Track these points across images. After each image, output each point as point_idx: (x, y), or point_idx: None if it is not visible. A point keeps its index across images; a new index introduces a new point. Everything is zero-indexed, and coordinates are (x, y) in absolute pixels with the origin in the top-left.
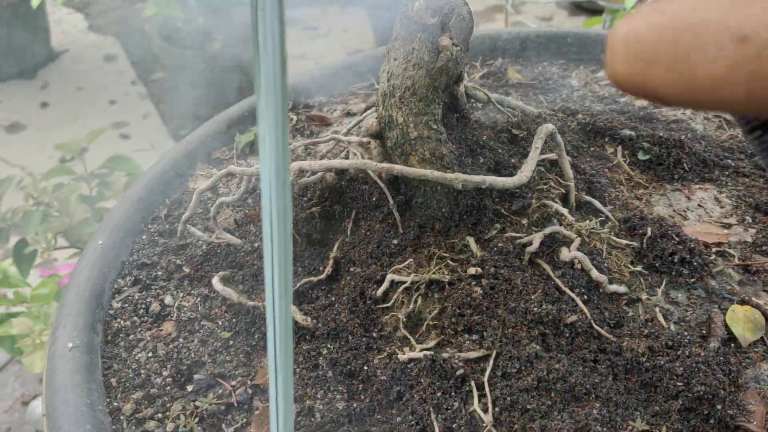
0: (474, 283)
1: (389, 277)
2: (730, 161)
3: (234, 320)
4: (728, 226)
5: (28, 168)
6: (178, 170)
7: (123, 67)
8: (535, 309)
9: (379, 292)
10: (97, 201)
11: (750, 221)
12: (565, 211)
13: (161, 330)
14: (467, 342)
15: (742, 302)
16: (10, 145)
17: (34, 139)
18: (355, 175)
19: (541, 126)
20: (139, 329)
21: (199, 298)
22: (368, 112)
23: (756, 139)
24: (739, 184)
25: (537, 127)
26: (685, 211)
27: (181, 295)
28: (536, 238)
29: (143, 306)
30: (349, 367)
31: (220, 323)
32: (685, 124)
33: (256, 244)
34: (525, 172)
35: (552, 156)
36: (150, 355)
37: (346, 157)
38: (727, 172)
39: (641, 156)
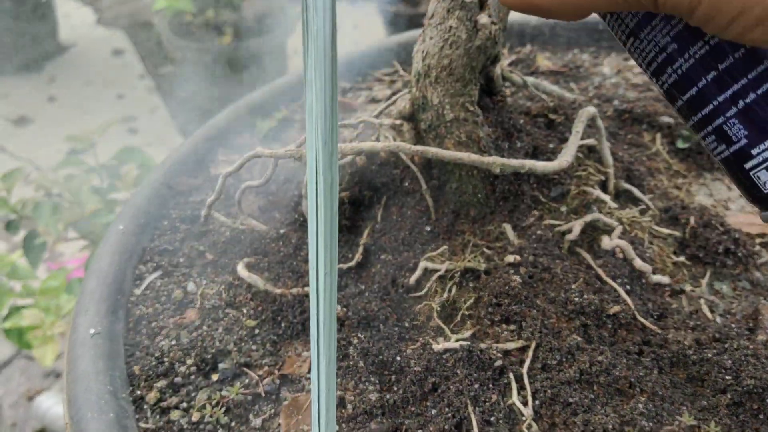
0: (512, 271)
1: (422, 264)
2: None
3: (260, 308)
4: None
5: (36, 162)
6: (199, 156)
7: (131, 61)
8: (576, 299)
9: (412, 280)
10: (108, 192)
11: None
12: (606, 197)
13: (184, 317)
14: (505, 332)
15: None
16: (17, 138)
17: (42, 133)
18: (387, 159)
19: (583, 109)
20: (161, 316)
21: (223, 286)
22: (400, 93)
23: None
24: None
25: (574, 113)
26: (726, 201)
27: (204, 282)
28: (576, 226)
29: (165, 293)
30: (381, 357)
31: (245, 311)
32: None
33: (281, 231)
34: (566, 157)
35: (590, 142)
36: (173, 342)
37: (377, 141)
38: None
39: (680, 144)
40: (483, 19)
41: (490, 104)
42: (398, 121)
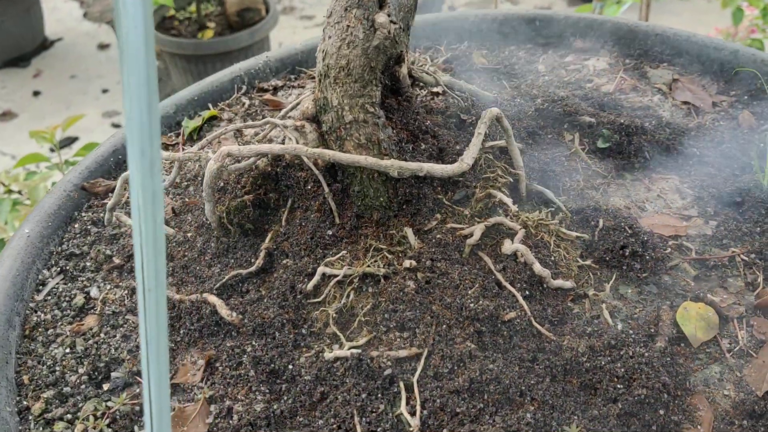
0: (409, 276)
1: (320, 270)
2: (695, 149)
3: None
4: (688, 218)
5: (20, 156)
6: (119, 156)
7: (116, 55)
8: (472, 305)
9: (310, 286)
10: None
11: (711, 213)
12: (509, 201)
13: (82, 324)
14: (398, 340)
15: (696, 299)
16: (1, 132)
17: (27, 127)
18: (291, 161)
19: (486, 110)
20: (59, 323)
21: (126, 291)
22: (305, 94)
23: None
24: (703, 174)
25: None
26: (643, 202)
27: (108, 287)
28: (477, 230)
29: (67, 298)
30: (273, 365)
31: None
32: (651, 111)
33: (188, 234)
34: (466, 160)
35: (502, 143)
36: (67, 351)
37: (283, 142)
38: (691, 162)
39: (600, 144)
40: (381, 18)
41: (395, 105)
42: (300, 123)
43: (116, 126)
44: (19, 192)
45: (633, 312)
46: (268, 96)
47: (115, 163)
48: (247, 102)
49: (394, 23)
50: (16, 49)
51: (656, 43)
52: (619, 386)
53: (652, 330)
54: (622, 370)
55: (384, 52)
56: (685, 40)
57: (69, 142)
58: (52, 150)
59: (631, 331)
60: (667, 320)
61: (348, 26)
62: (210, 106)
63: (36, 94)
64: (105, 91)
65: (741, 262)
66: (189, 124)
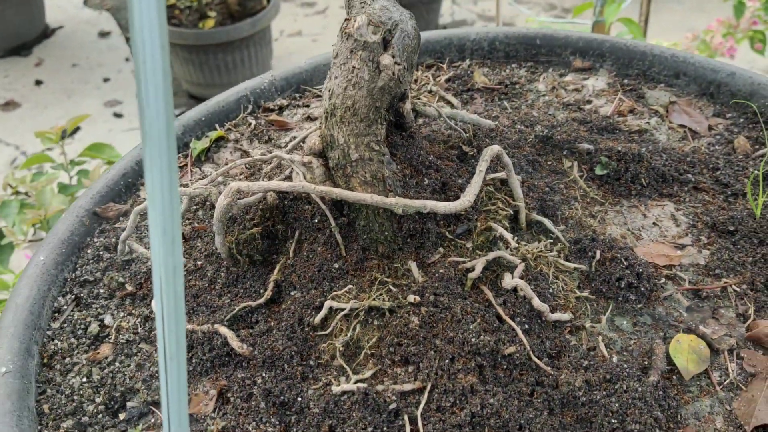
0: (413, 311)
1: (327, 303)
2: (690, 176)
3: None
4: (682, 246)
5: (23, 147)
6: (129, 180)
7: (117, 43)
8: (473, 339)
9: (317, 319)
10: (77, 189)
11: (705, 242)
12: (509, 236)
13: (98, 353)
14: (403, 374)
15: (689, 331)
16: (5, 123)
17: (29, 117)
18: (299, 194)
19: (487, 148)
20: (75, 351)
21: (139, 319)
22: (312, 129)
23: None
24: (698, 201)
25: (493, 142)
26: (639, 229)
27: (122, 314)
28: (479, 264)
29: (82, 326)
30: (282, 398)
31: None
32: (648, 135)
33: (199, 263)
34: (467, 197)
35: (503, 175)
36: (84, 380)
37: (290, 176)
38: (686, 188)
39: (598, 171)
40: (386, 60)
41: (399, 141)
42: (307, 159)
43: (118, 116)
44: (27, 194)
45: (628, 344)
46: (273, 116)
47: (125, 186)
48: (253, 122)
49: (399, 64)
50: (17, 37)
51: (654, 63)
52: (613, 421)
53: (646, 362)
54: (617, 405)
55: (389, 92)
56: (682, 62)
57: (71, 132)
58: (50, 149)
59: (625, 365)
60: (660, 353)
61: (354, 68)
62: (217, 126)
63: (38, 83)
64: (106, 80)
65: (733, 293)
66: (197, 146)
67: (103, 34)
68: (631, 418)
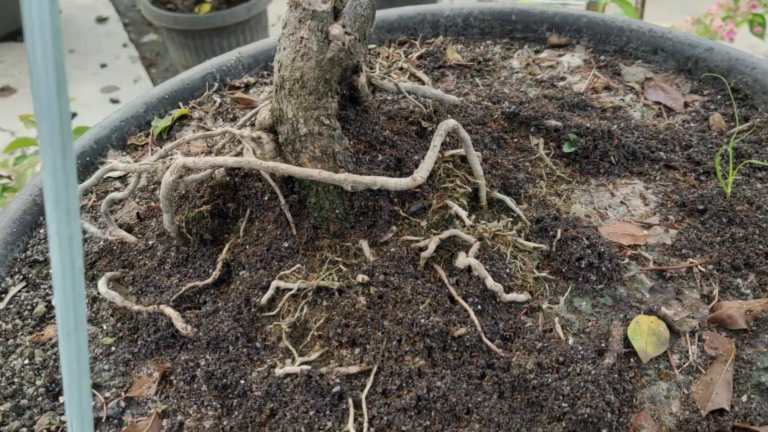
0: (362, 291)
1: (274, 283)
2: (662, 153)
3: (118, 325)
4: (648, 226)
5: (18, 132)
6: (87, 158)
7: (115, 29)
8: (422, 320)
9: (264, 299)
10: None
11: (673, 221)
12: (464, 213)
13: (42, 334)
14: (349, 356)
15: (650, 312)
16: (1, 108)
17: (25, 103)
18: (249, 171)
19: (442, 122)
20: (20, 333)
21: (87, 300)
22: (264, 103)
23: None
24: (668, 180)
25: (455, 117)
26: (606, 208)
27: None
28: (432, 243)
29: (29, 307)
30: (225, 380)
31: (105, 328)
32: (622, 112)
33: (150, 242)
34: (420, 173)
35: (462, 151)
36: (26, 362)
37: (241, 152)
38: (657, 166)
39: (566, 148)
40: (335, 29)
41: (352, 115)
42: (256, 134)
43: (115, 102)
44: (9, 177)
45: (585, 326)
46: (239, 94)
47: (83, 166)
48: (219, 100)
49: (349, 34)
50: (13, 22)
51: (632, 39)
52: (564, 404)
53: (603, 345)
54: (568, 388)
55: (339, 64)
56: (660, 37)
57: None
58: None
59: (580, 347)
60: (618, 335)
61: (302, 38)
62: (180, 104)
63: None
64: (103, 65)
65: (698, 273)
66: (159, 124)
67: (101, 20)
68: (583, 401)
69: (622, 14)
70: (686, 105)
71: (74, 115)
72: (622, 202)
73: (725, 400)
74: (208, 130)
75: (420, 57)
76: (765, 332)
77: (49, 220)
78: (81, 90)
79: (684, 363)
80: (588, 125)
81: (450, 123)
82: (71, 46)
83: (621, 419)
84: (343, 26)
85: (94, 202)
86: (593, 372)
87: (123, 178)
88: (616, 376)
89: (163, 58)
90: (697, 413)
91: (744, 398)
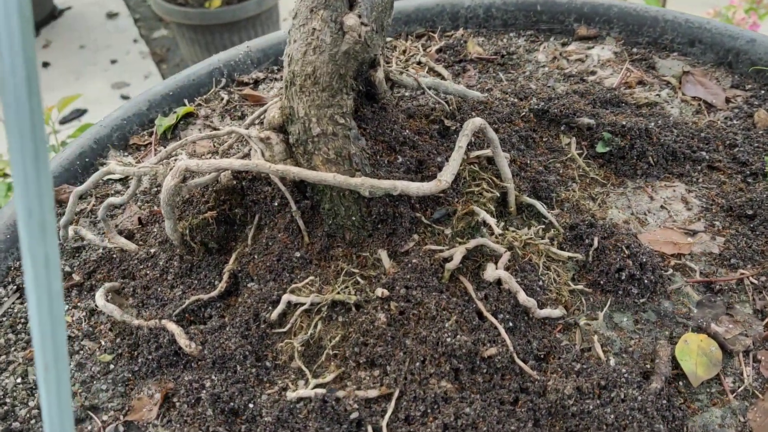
0: (381, 306)
1: (285, 297)
2: (704, 153)
3: (117, 341)
4: (693, 233)
5: None
6: (86, 159)
7: (125, 24)
8: (449, 339)
9: (274, 315)
10: None
11: (719, 227)
12: (492, 221)
13: None
14: (368, 378)
15: (698, 330)
16: None
17: None
18: (257, 174)
19: (468, 121)
20: (12, 348)
21: (84, 312)
22: (273, 100)
23: None
24: (712, 182)
25: (481, 114)
26: (645, 214)
27: (66, 308)
28: (457, 253)
29: (22, 320)
30: (232, 404)
31: (103, 343)
32: (658, 108)
33: (152, 250)
34: (444, 177)
35: (489, 152)
36: (19, 381)
37: (248, 154)
38: (699, 167)
39: (600, 148)
40: (350, 20)
41: (369, 114)
42: (265, 134)
43: (125, 98)
44: None
45: (628, 344)
46: (248, 90)
47: (83, 167)
48: (226, 97)
49: (366, 25)
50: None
51: (666, 30)
52: None
53: (648, 367)
54: (612, 416)
55: (354, 58)
56: (697, 28)
57: (78, 114)
58: (61, 122)
59: (624, 369)
60: (665, 356)
61: (314, 29)
62: (186, 101)
63: (45, 65)
64: (114, 61)
65: (750, 286)
66: (162, 123)
67: (111, 15)
68: (629, 431)
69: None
70: (728, 101)
71: (84, 111)
72: (662, 207)
73: None
74: (214, 128)
75: (439, 50)
76: None
77: (22, 238)
78: (91, 86)
79: (739, 387)
80: (623, 123)
81: (477, 122)
82: (81, 42)
83: None
84: (359, 16)
85: (93, 206)
86: (639, 398)
87: (124, 180)
88: (664, 402)
89: (174, 53)
90: None
91: None
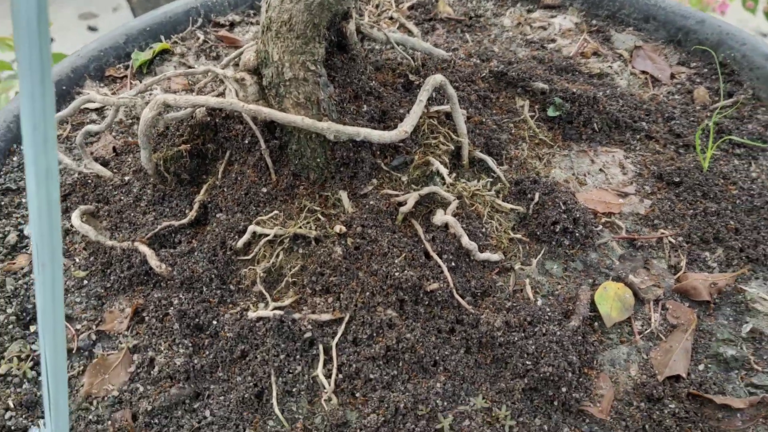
0: (338, 241)
1: (251, 228)
2: (644, 123)
3: (91, 259)
4: (624, 195)
5: None
6: (63, 87)
7: None
8: (397, 273)
9: (240, 243)
10: None
11: (648, 191)
12: (445, 171)
13: (14, 263)
14: (322, 304)
15: (617, 279)
16: None
17: (1, 26)
18: (231, 113)
19: (429, 77)
20: None
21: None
22: (249, 43)
23: None
24: (648, 150)
25: (443, 73)
26: (585, 175)
27: None
28: (411, 198)
29: (0, 236)
30: (197, 320)
31: (77, 261)
32: (608, 79)
33: (126, 178)
34: (405, 127)
35: (448, 108)
36: None
37: (223, 93)
38: (638, 136)
39: (551, 112)
40: None
41: (339, 63)
42: (240, 75)
43: (92, 29)
44: None
45: (555, 288)
46: (223, 32)
47: (59, 95)
48: (202, 37)
49: None
50: None
51: (625, 5)
52: (527, 362)
53: (570, 308)
54: (533, 347)
55: (329, 9)
56: (653, 5)
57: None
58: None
59: (548, 308)
60: (585, 299)
61: None
62: (162, 38)
63: None
64: None
65: (668, 244)
66: (139, 57)
67: None
68: (546, 360)
69: None
70: (673, 76)
71: (51, 41)
72: (601, 170)
73: (682, 367)
74: (190, 67)
75: (411, 8)
76: (727, 305)
77: (26, 149)
78: (58, 14)
79: (646, 329)
80: (574, 90)
81: (437, 78)
82: None
83: (581, 379)
84: None
85: (70, 132)
86: (558, 333)
87: (100, 111)
88: (579, 338)
89: None
90: (654, 378)
91: (701, 367)
